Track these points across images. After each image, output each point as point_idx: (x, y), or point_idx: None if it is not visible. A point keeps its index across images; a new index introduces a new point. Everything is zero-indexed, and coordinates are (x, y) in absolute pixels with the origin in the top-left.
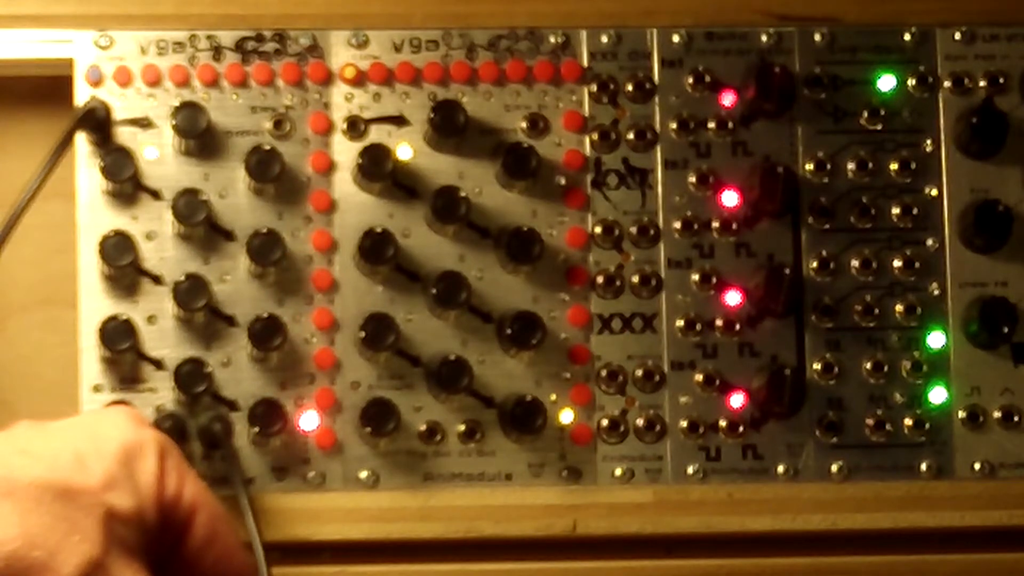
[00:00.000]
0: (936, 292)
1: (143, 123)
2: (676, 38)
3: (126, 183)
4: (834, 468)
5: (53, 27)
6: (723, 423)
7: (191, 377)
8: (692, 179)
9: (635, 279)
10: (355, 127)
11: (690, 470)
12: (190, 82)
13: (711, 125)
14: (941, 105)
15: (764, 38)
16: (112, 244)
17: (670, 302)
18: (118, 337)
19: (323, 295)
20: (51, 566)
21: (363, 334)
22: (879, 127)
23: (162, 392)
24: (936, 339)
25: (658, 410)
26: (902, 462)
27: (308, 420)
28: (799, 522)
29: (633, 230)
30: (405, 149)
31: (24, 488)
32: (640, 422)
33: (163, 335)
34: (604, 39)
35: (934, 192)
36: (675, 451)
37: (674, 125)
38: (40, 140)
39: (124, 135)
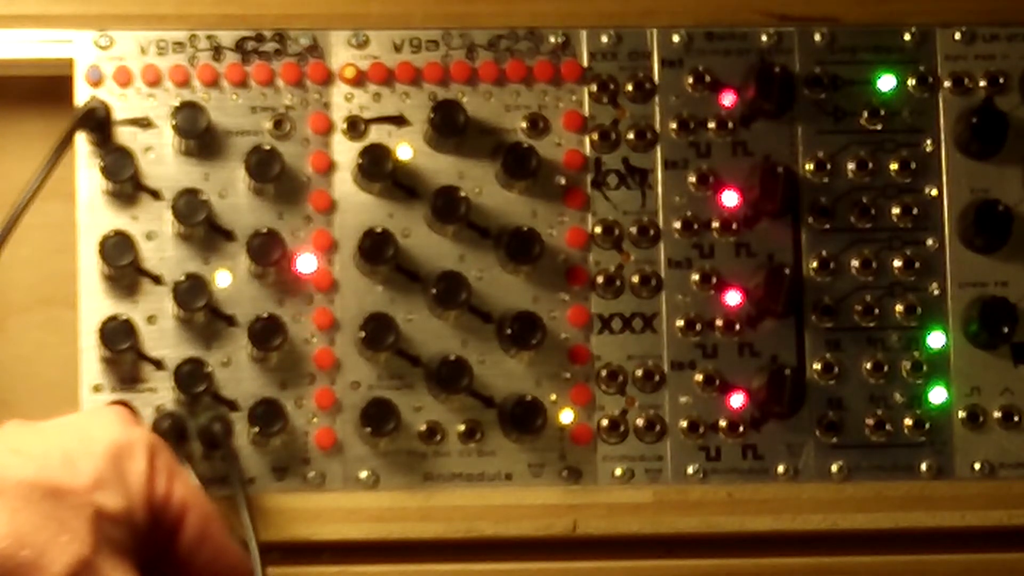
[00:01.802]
0: (936, 292)
1: (143, 123)
2: (676, 38)
3: (126, 183)
4: (834, 468)
5: (53, 27)
6: (723, 423)
7: (191, 377)
8: (692, 179)
9: (635, 279)
10: (355, 127)
11: (690, 470)
12: (190, 82)
13: (711, 125)
14: (941, 105)
15: (764, 38)
16: (112, 244)
17: (670, 302)
18: (118, 337)
19: (323, 295)
20: (40, 565)
21: (363, 334)
22: (879, 127)
23: (162, 392)
24: (936, 339)
25: (658, 410)
26: (902, 462)
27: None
28: (799, 522)
29: (633, 230)
30: (405, 149)
31: (13, 488)
32: (640, 422)
33: (163, 335)
34: (604, 39)
35: (934, 192)
36: (675, 451)
37: (674, 125)
38: (40, 140)
39: (124, 135)
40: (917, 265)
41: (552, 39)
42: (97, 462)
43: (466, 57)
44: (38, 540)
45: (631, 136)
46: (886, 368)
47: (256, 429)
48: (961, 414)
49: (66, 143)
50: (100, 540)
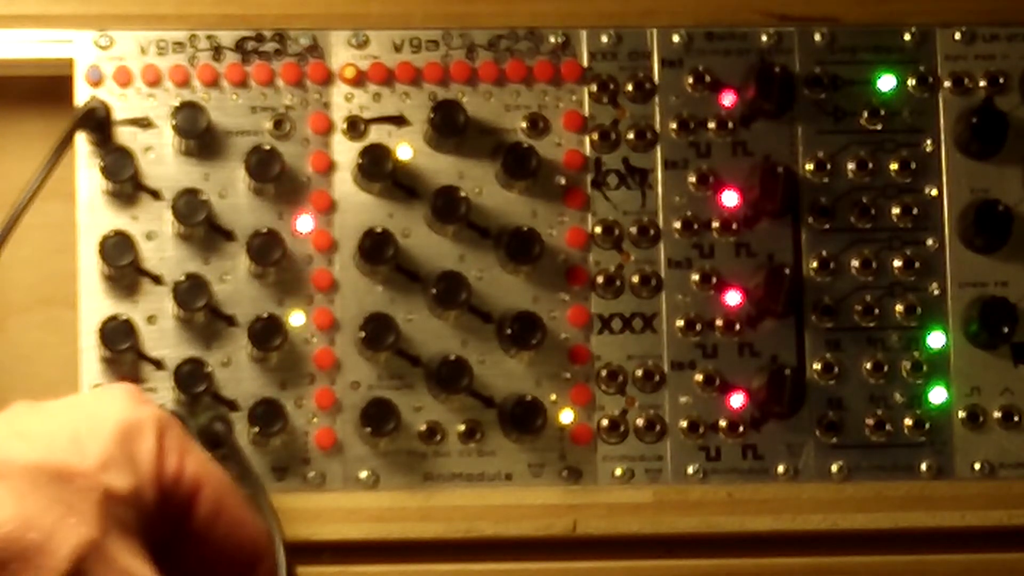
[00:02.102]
0: (936, 292)
1: (143, 123)
2: (676, 38)
3: (126, 183)
4: (834, 468)
5: (53, 27)
6: (723, 423)
7: (191, 377)
8: (692, 179)
9: (635, 279)
10: (355, 127)
11: (690, 470)
12: (190, 82)
13: (711, 125)
14: (941, 105)
15: (764, 38)
16: (112, 244)
17: (670, 302)
18: (118, 337)
19: (323, 295)
20: (47, 548)
21: (363, 334)
22: (879, 127)
23: (162, 392)
24: (936, 339)
25: (658, 410)
26: (902, 462)
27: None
28: (799, 522)
29: (633, 230)
30: (405, 149)
31: (19, 471)
32: (640, 422)
33: (163, 335)
34: (604, 39)
35: (934, 192)
36: (675, 451)
37: (674, 125)
38: (40, 140)
39: (124, 135)
40: (917, 265)
41: (552, 39)
42: (105, 443)
43: (466, 57)
44: (45, 523)
45: (631, 136)
46: (886, 368)
47: (256, 429)
48: (961, 414)
49: (66, 143)
50: (108, 522)
